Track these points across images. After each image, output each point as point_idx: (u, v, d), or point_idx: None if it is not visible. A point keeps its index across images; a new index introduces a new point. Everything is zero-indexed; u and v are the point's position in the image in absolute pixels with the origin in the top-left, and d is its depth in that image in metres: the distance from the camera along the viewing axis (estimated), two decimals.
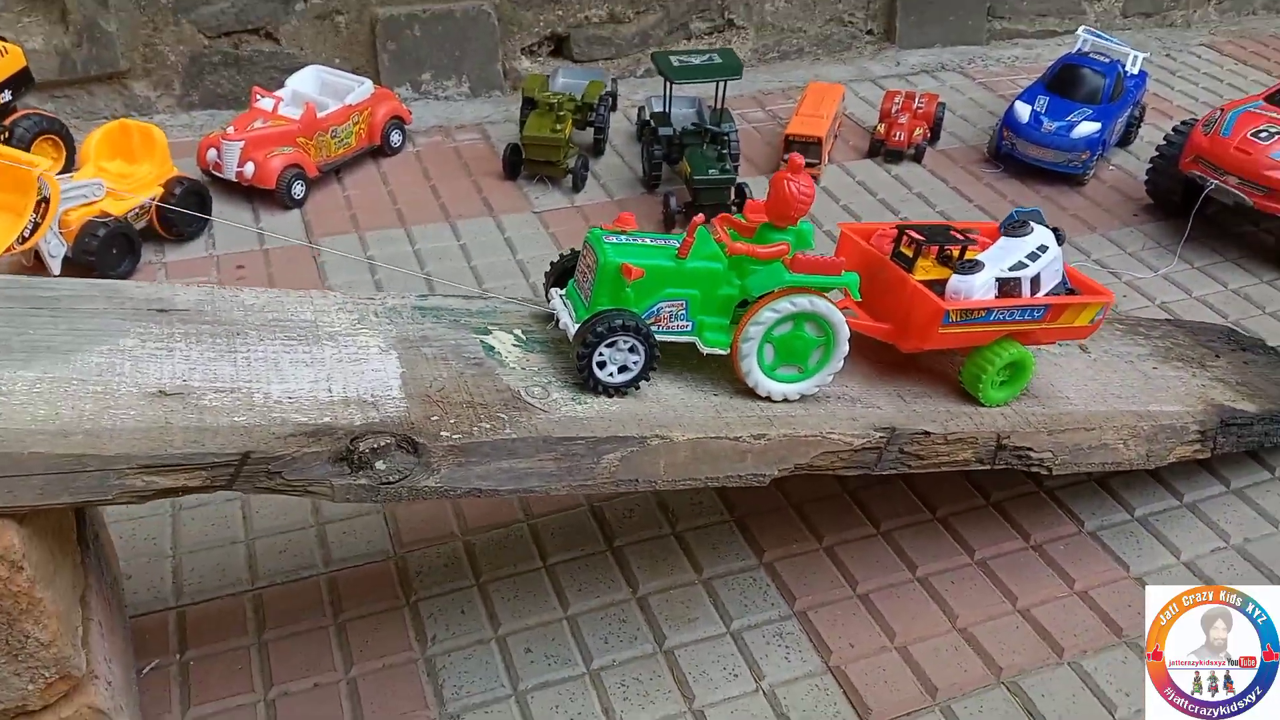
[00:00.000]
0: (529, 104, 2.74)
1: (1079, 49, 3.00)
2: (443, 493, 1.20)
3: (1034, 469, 1.56)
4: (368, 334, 1.35)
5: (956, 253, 1.53)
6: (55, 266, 2.13)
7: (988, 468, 1.53)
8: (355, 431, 1.15)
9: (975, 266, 1.50)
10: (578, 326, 1.31)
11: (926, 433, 1.45)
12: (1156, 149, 2.66)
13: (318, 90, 2.70)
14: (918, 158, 2.89)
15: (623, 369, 1.31)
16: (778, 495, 1.79)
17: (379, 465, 1.16)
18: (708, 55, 2.65)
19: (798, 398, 1.41)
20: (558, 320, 1.40)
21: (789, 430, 1.37)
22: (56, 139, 2.46)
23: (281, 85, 2.72)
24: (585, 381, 1.31)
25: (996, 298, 1.49)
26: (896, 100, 2.95)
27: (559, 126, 2.63)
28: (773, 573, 1.65)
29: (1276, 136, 2.40)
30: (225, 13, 2.87)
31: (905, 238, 1.55)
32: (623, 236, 1.37)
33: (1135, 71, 2.95)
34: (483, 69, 3.14)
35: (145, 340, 1.22)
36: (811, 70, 3.44)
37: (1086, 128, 2.73)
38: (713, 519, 1.74)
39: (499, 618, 1.55)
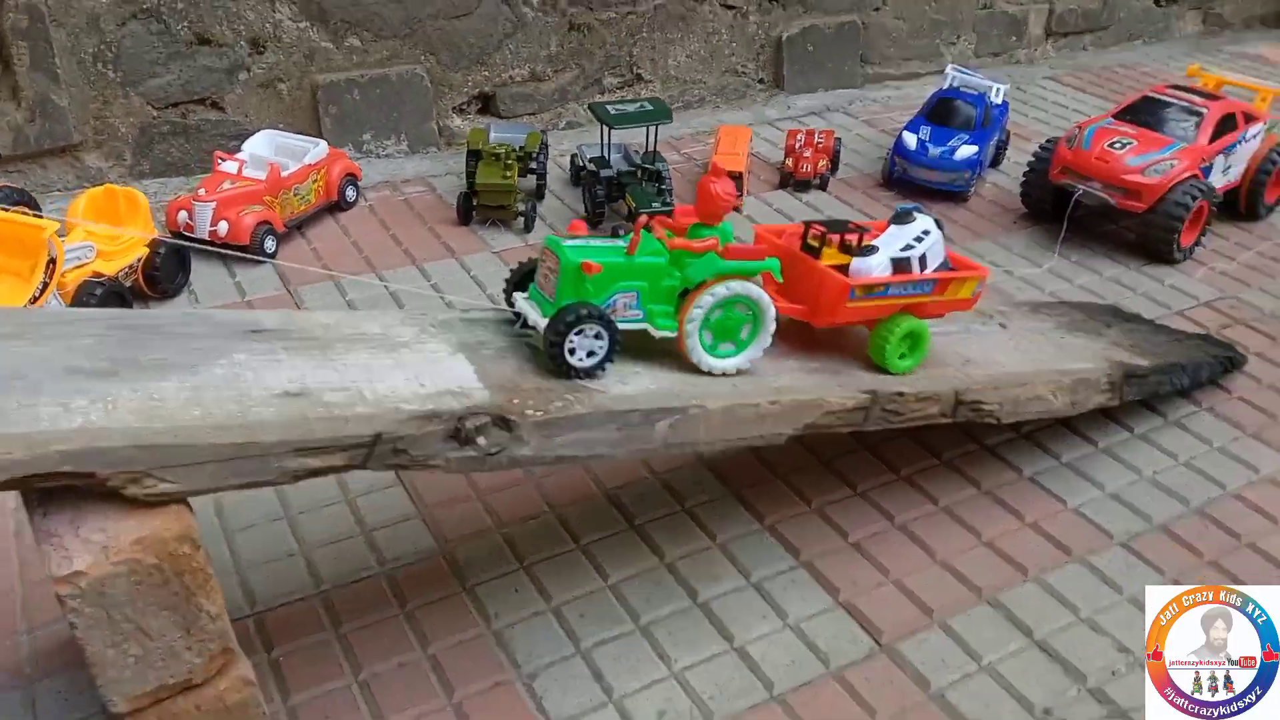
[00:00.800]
0: (474, 155, 2.95)
1: (949, 84, 3.42)
2: (534, 460, 1.40)
3: (986, 419, 1.85)
4: (433, 342, 1.54)
5: (855, 241, 1.80)
6: None
7: (950, 420, 1.82)
8: (459, 413, 1.34)
9: (871, 250, 1.77)
10: (548, 320, 1.47)
11: (901, 393, 1.73)
12: (1027, 164, 3.07)
13: (273, 152, 2.86)
14: (823, 186, 3.24)
15: (590, 354, 1.49)
16: (766, 469, 2.04)
17: (480, 441, 1.35)
18: (639, 103, 2.94)
19: (735, 371, 1.62)
20: (524, 320, 1.57)
21: (795, 396, 1.63)
22: (27, 210, 2.53)
23: (234, 150, 2.86)
24: (558, 368, 1.48)
25: (891, 275, 1.76)
26: (799, 137, 3.30)
27: (508, 174, 2.86)
28: (775, 533, 1.89)
29: (1129, 146, 2.84)
30: (172, 85, 3.00)
31: (811, 231, 1.82)
32: (578, 240, 1.57)
33: (999, 101, 3.39)
34: (418, 127, 3.35)
35: (253, 354, 1.38)
36: (714, 116, 3.78)
37: (966, 150, 3.13)
38: (715, 494, 1.98)
39: (549, 592, 1.74)
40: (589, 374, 1.49)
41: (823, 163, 3.24)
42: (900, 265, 1.77)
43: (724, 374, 1.61)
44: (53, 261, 2.13)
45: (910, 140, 3.17)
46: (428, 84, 3.33)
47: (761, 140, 3.57)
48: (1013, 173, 3.33)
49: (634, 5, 3.59)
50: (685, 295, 1.58)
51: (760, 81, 3.97)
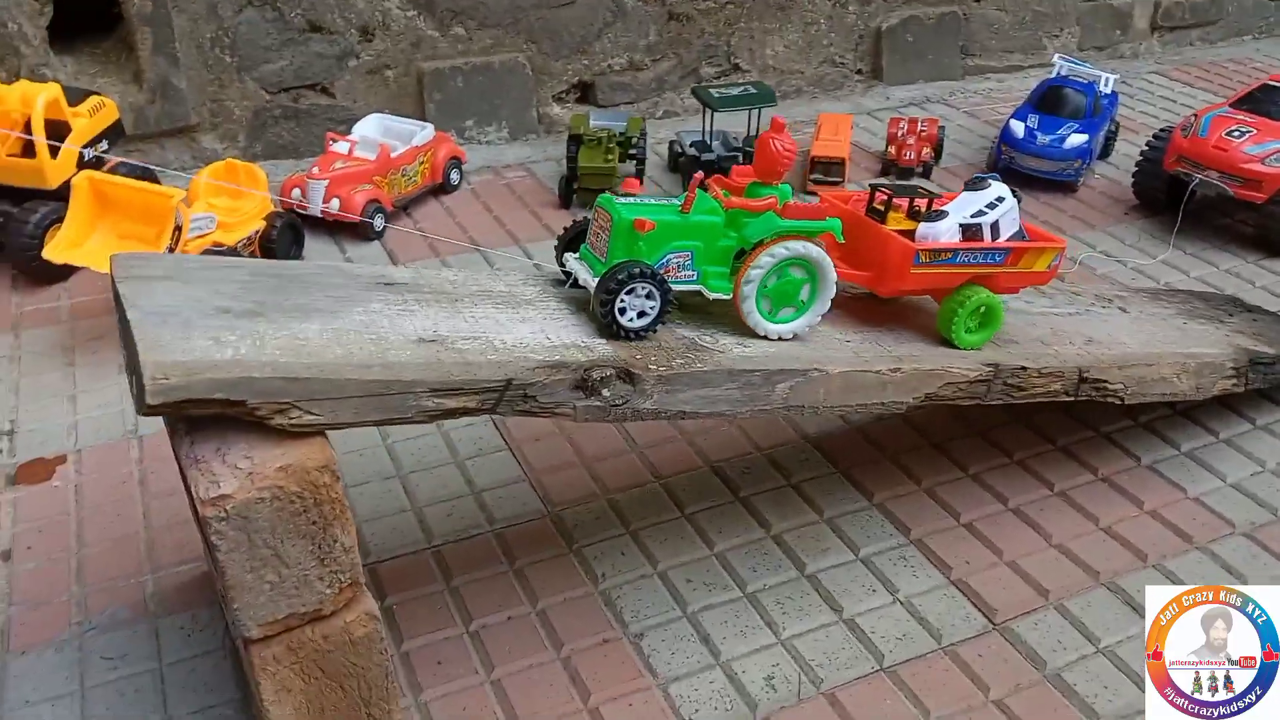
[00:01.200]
0: (575, 140, 2.98)
1: (1057, 73, 3.35)
2: (657, 413, 1.40)
3: (1109, 399, 1.81)
4: (554, 301, 1.55)
5: (924, 206, 1.72)
6: None
7: (1072, 398, 1.78)
8: (585, 364, 1.35)
9: (940, 215, 1.68)
10: (599, 278, 1.41)
11: (1024, 367, 1.70)
12: (1140, 153, 2.99)
13: (382, 135, 2.92)
14: (926, 174, 3.20)
15: (641, 314, 1.42)
16: (874, 449, 2.01)
17: (605, 392, 1.36)
18: (742, 87, 2.94)
19: (791, 336, 1.55)
20: (575, 279, 1.51)
21: (916, 365, 1.61)
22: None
23: (344, 133, 2.93)
24: (608, 327, 1.41)
25: (960, 241, 1.67)
26: (901, 125, 3.26)
27: (609, 158, 2.88)
28: (885, 511, 1.87)
29: (1248, 134, 2.75)
30: (285, 70, 3.09)
31: (877, 195, 1.74)
32: (631, 198, 1.51)
33: (1108, 91, 3.30)
34: (519, 115, 3.40)
35: (388, 304, 1.41)
36: (811, 106, 3.76)
37: (1076, 139, 3.06)
38: (821, 471, 1.96)
39: (655, 557, 1.74)
40: (639, 335, 1.43)
41: (926, 151, 3.20)
42: (970, 232, 1.67)
43: (780, 338, 1.54)
44: (179, 229, 2.21)
45: (1018, 128, 3.11)
46: (529, 72, 3.37)
47: (861, 130, 3.54)
48: (1122, 164, 3.25)
49: None
50: (741, 256, 1.51)
51: (858, 72, 3.93)
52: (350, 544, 1.25)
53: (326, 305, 1.37)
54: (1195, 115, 2.89)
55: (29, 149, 2.41)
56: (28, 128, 2.41)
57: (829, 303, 1.56)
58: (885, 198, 1.73)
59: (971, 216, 1.70)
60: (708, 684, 1.52)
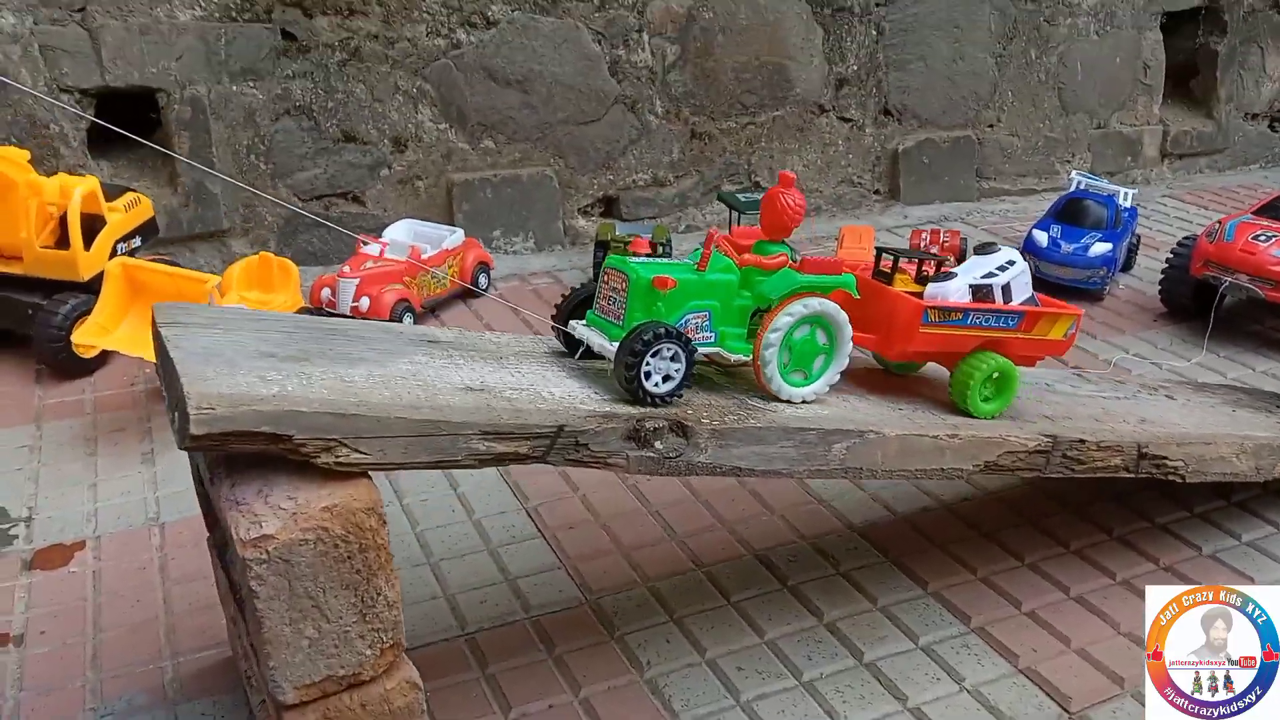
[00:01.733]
0: (602, 246, 3.01)
1: (1075, 187, 3.40)
2: (711, 469, 1.34)
3: (1170, 476, 1.74)
4: (601, 362, 1.51)
5: (932, 269, 1.67)
6: None
7: (1131, 475, 1.71)
8: (638, 416, 1.30)
9: (949, 275, 1.63)
10: (619, 343, 1.33)
11: (1082, 440, 1.64)
12: (1166, 260, 3.00)
13: (412, 239, 2.95)
14: None
15: (666, 378, 1.34)
16: (924, 538, 1.93)
17: (657, 444, 1.31)
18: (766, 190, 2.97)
19: (813, 399, 1.48)
20: (586, 348, 1.44)
21: (974, 431, 1.55)
22: None
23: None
24: (634, 393, 1.32)
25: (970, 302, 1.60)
26: (924, 236, 3.29)
27: None
28: (941, 599, 1.77)
29: (1274, 239, 2.76)
30: (318, 178, 3.15)
31: (884, 260, 1.68)
32: (641, 257, 1.46)
33: (1128, 205, 3.35)
34: (546, 226, 3.44)
35: (433, 357, 1.38)
36: (831, 224, 3.80)
37: (1100, 247, 3.08)
38: (871, 559, 1.87)
39: (702, 644, 1.64)
40: (665, 400, 1.34)
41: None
42: (981, 293, 1.62)
43: (803, 401, 1.47)
44: None
45: (1041, 237, 3.13)
46: (556, 185, 3.43)
47: (884, 243, 3.56)
48: (1145, 276, 3.26)
49: (753, 116, 3.70)
50: (757, 316, 1.46)
51: (876, 192, 4.01)
52: (394, 599, 1.17)
53: (372, 356, 1.33)
54: (1219, 222, 2.92)
55: (62, 241, 2.43)
56: (63, 221, 2.43)
57: (846, 361, 1.49)
58: (891, 262, 1.67)
59: (982, 277, 1.64)
60: None
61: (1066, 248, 3.09)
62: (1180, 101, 4.68)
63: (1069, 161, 4.29)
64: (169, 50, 2.90)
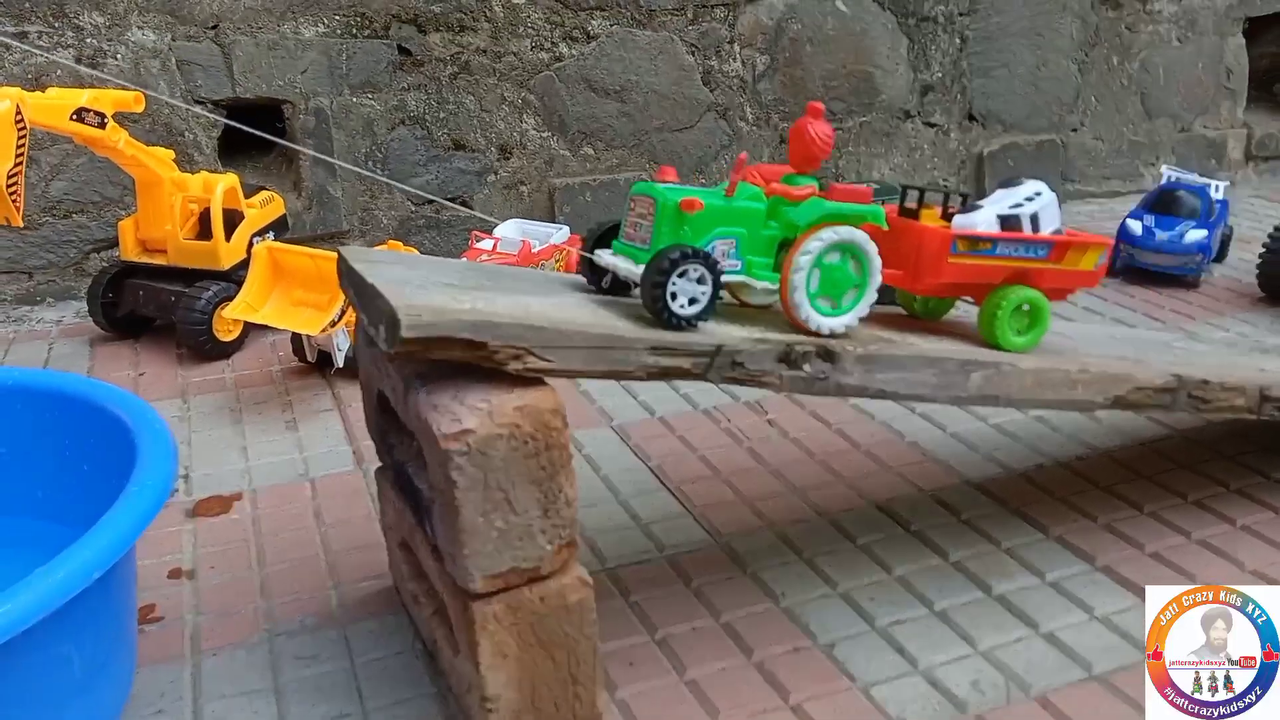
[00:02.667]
0: None
1: (1167, 179, 3.43)
2: (859, 390, 1.42)
3: None
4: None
5: (959, 203, 1.65)
6: (340, 360, 2.42)
7: (1254, 417, 1.75)
8: (788, 341, 1.39)
9: (976, 207, 1.62)
10: (645, 265, 1.32)
11: (1207, 380, 1.69)
12: (1263, 245, 3.02)
13: (521, 235, 3.09)
14: None
15: (692, 300, 1.33)
16: (1041, 491, 1.98)
17: (806, 367, 1.39)
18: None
19: (843, 331, 1.44)
20: (612, 276, 1.46)
21: (1103, 368, 1.61)
22: None
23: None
24: (659, 315, 1.31)
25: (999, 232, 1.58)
26: None
27: None
28: (1064, 542, 1.82)
29: None
30: (429, 184, 3.31)
31: (908, 195, 1.67)
32: (669, 184, 1.42)
33: (1220, 197, 3.37)
34: None
35: (589, 296, 1.48)
36: None
37: (1195, 234, 3.11)
38: (990, 510, 1.93)
39: (834, 579, 1.71)
40: (690, 324, 1.33)
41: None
42: (1009, 223, 1.59)
43: (831, 333, 1.43)
44: None
45: (1135, 226, 3.17)
46: None
47: None
48: (1239, 266, 3.27)
49: (841, 121, 3.80)
50: (784, 247, 1.44)
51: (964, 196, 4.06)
52: (572, 497, 1.26)
53: (539, 291, 1.44)
54: None
55: (203, 234, 2.61)
56: (204, 216, 2.62)
57: (876, 293, 1.46)
58: (918, 199, 1.65)
59: (1010, 208, 1.61)
60: (910, 688, 1.47)
61: (1161, 235, 3.12)
62: (1264, 105, 4.68)
63: (1153, 164, 4.32)
64: (295, 64, 3.10)
